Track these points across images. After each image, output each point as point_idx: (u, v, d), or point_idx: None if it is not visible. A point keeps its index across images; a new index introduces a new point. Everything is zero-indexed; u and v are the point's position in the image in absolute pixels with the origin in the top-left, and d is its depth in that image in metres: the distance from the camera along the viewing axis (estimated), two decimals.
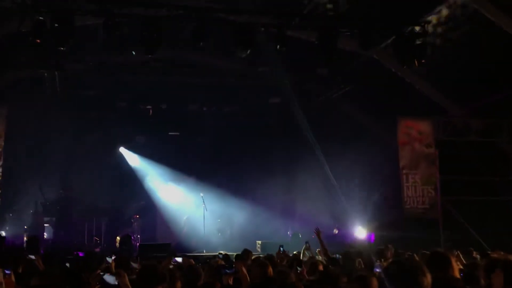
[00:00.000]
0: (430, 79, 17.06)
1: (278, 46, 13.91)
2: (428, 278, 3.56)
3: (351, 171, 20.45)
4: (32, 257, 9.41)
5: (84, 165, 20.38)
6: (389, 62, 16.48)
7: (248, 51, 14.15)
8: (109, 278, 5.77)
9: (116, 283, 5.44)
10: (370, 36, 14.00)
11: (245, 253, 10.19)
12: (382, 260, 9.57)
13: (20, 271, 8.07)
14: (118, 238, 18.72)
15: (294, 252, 12.72)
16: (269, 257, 9.44)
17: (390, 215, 18.70)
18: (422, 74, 16.70)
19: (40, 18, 13.46)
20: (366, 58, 16.47)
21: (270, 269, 6.56)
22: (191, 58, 18.71)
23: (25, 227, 18.12)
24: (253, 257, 10.10)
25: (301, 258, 11.04)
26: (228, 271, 5.93)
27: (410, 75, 16.91)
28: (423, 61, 14.66)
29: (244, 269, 5.98)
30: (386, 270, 3.71)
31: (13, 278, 6.60)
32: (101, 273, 6.02)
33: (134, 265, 8.58)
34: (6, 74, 17.54)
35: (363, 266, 8.72)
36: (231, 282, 6.70)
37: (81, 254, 13.63)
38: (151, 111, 20.75)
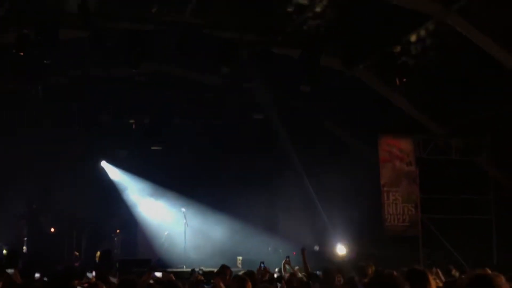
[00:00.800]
0: (412, 97, 17.25)
1: (262, 63, 14.02)
2: None
3: (333, 188, 20.51)
4: (11, 271, 9.32)
5: (66, 179, 20.26)
6: (371, 80, 16.65)
7: (231, 67, 14.26)
8: None
9: None
10: (352, 55, 14.17)
11: (222, 269, 10.13)
12: (363, 277, 9.61)
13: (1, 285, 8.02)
14: (98, 252, 18.58)
15: (276, 270, 12.73)
16: (249, 273, 9.43)
17: (371, 232, 18.78)
18: (404, 92, 16.88)
19: (24, 30, 13.45)
20: (349, 76, 16.62)
21: (249, 285, 6.58)
22: (175, 73, 18.74)
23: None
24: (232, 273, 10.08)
25: (282, 273, 11.04)
26: (206, 286, 5.92)
27: (391, 93, 17.09)
28: (404, 79, 14.86)
29: (222, 285, 5.98)
30: (367, 286, 3.76)
31: None
32: None
33: (113, 280, 8.55)
34: None
35: (342, 281, 8.76)
36: None
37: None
38: (134, 125, 20.68)
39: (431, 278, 5.70)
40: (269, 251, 20.47)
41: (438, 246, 17.27)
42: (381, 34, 14.18)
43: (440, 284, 7.41)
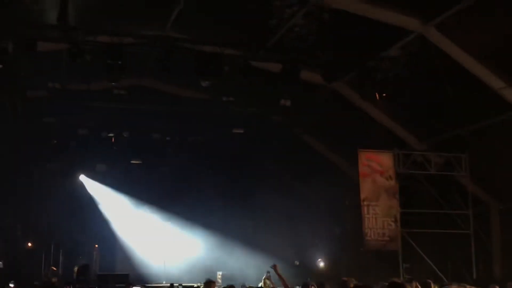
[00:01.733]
0: (391, 112, 17.35)
1: (242, 77, 14.02)
2: None
3: (313, 202, 20.55)
4: None
5: (44, 193, 20.03)
6: (351, 95, 16.73)
7: (212, 81, 14.23)
8: None
9: None
10: (332, 69, 14.24)
11: (207, 284, 10.04)
12: None
13: None
14: (76, 267, 18.34)
15: (259, 285, 12.68)
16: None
17: (352, 247, 18.78)
18: (384, 107, 16.97)
19: (2, 43, 13.31)
20: (329, 91, 16.69)
21: None
22: (154, 87, 18.66)
23: None
24: None
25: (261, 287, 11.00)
26: None
27: (371, 108, 17.17)
28: (384, 95, 14.95)
29: None
30: None
31: None
32: None
33: None
34: None
35: None
36: None
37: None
38: (113, 139, 20.52)
39: None
40: (249, 265, 20.29)
41: (418, 260, 17.31)
42: (361, 48, 14.27)
43: None
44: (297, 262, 19.86)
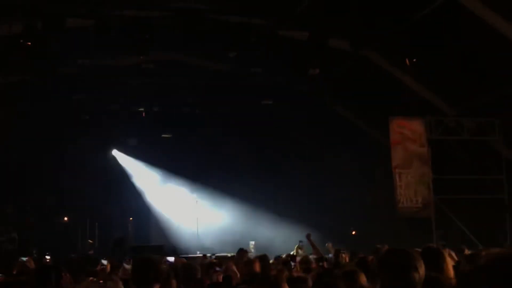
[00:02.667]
0: (422, 78, 17.10)
1: (269, 47, 13.94)
2: (421, 273, 3.52)
3: (343, 171, 20.49)
4: (24, 258, 9.42)
5: (78, 168, 20.34)
6: (381, 61, 16.52)
7: (239, 52, 14.18)
8: None
9: None
10: (361, 36, 14.04)
11: (240, 253, 10.18)
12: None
13: (14, 272, 8.15)
14: (112, 240, 18.71)
15: (291, 253, 12.76)
16: (261, 257, 9.44)
17: (383, 215, 18.73)
18: (414, 73, 16.73)
19: (31, 21, 13.44)
20: (358, 58, 16.49)
21: (257, 266, 6.59)
22: (182, 60, 18.69)
23: None
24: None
25: (294, 255, 11.09)
26: (218, 269, 5.92)
27: (401, 74, 16.95)
28: (414, 60, 14.72)
29: (233, 267, 5.98)
30: (380, 263, 3.67)
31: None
32: None
33: (127, 266, 8.56)
34: None
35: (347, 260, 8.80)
36: (220, 280, 6.73)
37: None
38: (143, 113, 20.68)
39: (446, 255, 5.64)
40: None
41: (452, 227, 17.20)
42: (390, 13, 14.02)
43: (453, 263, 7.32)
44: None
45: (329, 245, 12.31)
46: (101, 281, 7.83)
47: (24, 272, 7.23)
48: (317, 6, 14.00)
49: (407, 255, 3.60)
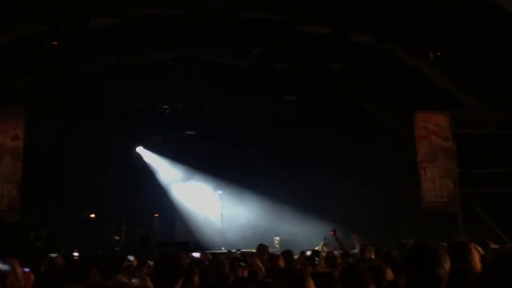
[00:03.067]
0: (447, 71, 16.95)
1: (292, 42, 13.95)
2: (446, 267, 3.53)
3: (367, 166, 20.42)
4: (53, 255, 9.57)
5: (104, 166, 20.58)
6: (404, 55, 16.40)
7: (261, 48, 14.21)
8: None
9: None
10: (384, 29, 13.97)
11: (260, 248, 10.24)
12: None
13: (42, 269, 8.27)
14: (138, 236, 18.91)
15: (315, 248, 12.77)
16: (286, 252, 9.50)
17: (408, 209, 18.63)
18: (438, 66, 16.58)
19: (56, 21, 13.62)
20: (381, 52, 16.40)
21: (281, 261, 6.65)
22: (206, 57, 18.77)
23: None
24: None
25: (320, 251, 11.11)
26: (243, 264, 5.96)
27: (425, 67, 16.81)
28: (438, 53, 14.60)
29: (258, 262, 6.03)
30: (405, 258, 3.68)
31: (32, 276, 6.72)
32: None
33: (152, 263, 8.62)
34: (23, 77, 17.72)
35: (372, 256, 8.79)
36: (245, 275, 6.78)
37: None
38: (168, 110, 20.83)
39: (473, 249, 5.63)
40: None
41: (478, 221, 17.03)
42: (413, 6, 13.92)
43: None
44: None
45: (354, 236, 12.29)
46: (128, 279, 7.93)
47: (52, 269, 7.35)
48: (339, 0, 13.98)
49: (432, 250, 3.60)
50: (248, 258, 5.90)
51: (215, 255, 13.24)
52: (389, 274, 5.33)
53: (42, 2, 13.46)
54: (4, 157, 16.01)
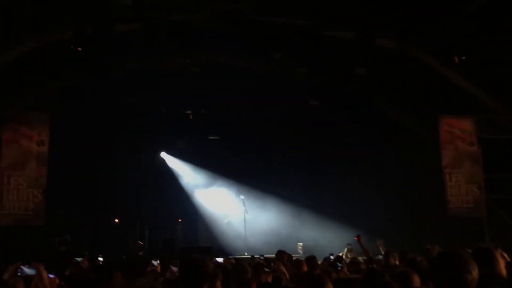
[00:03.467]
0: (472, 75, 16.76)
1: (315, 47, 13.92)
2: (474, 274, 3.49)
3: (391, 171, 20.26)
4: (78, 259, 9.65)
5: (127, 170, 20.69)
6: (429, 59, 16.26)
7: (284, 53, 14.19)
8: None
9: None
10: (408, 34, 13.87)
11: (279, 254, 10.20)
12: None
13: (67, 273, 8.34)
14: (161, 241, 18.98)
15: (339, 254, 12.71)
16: (310, 258, 9.45)
17: (432, 215, 18.44)
18: (463, 70, 16.41)
19: (81, 26, 13.77)
20: (405, 56, 16.28)
21: (305, 267, 6.62)
22: (228, 62, 18.80)
23: None
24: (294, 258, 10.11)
25: (344, 257, 11.04)
26: (266, 269, 5.93)
27: (450, 72, 16.65)
28: (463, 57, 14.45)
29: (282, 267, 5.99)
30: (432, 266, 3.64)
31: (56, 281, 6.76)
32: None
33: (175, 269, 8.61)
34: (48, 82, 17.92)
35: (397, 262, 8.71)
36: (269, 280, 6.74)
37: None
38: (191, 115, 20.90)
39: (498, 255, 5.53)
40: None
41: (505, 227, 16.79)
42: (438, 10, 13.80)
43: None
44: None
45: (379, 241, 12.22)
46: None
47: (78, 273, 7.39)
48: (363, 5, 13.90)
49: (461, 257, 3.56)
50: (272, 263, 5.85)
51: (238, 260, 13.22)
52: (416, 281, 5.25)
53: (68, 9, 13.60)
54: (30, 162, 16.21)
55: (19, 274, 6.33)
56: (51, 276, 6.38)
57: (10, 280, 6.09)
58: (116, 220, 20.87)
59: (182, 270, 4.94)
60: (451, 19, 14.02)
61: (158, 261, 9.82)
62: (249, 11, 14.79)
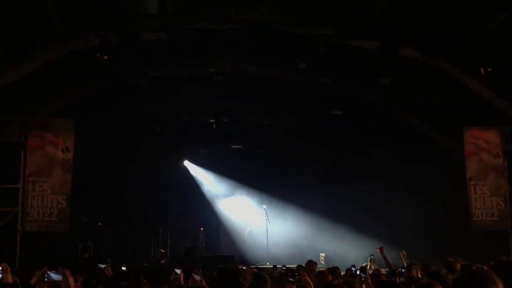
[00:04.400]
0: (497, 87, 16.61)
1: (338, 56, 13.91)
2: (500, 287, 3.45)
3: (415, 182, 20.08)
4: (102, 265, 9.70)
5: (150, 178, 20.79)
6: (453, 70, 16.14)
7: (308, 63, 14.21)
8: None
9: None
10: (433, 44, 13.80)
11: (309, 264, 10.18)
12: (451, 272, 9.37)
13: (93, 281, 8.40)
14: (183, 250, 19.03)
15: (363, 265, 12.60)
16: (332, 269, 9.40)
17: (456, 227, 18.26)
18: (488, 82, 16.27)
19: (107, 35, 13.93)
20: (430, 67, 16.18)
21: (330, 278, 6.61)
22: (251, 71, 18.85)
23: None
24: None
25: (367, 268, 10.95)
26: (291, 279, 5.90)
27: (475, 83, 16.50)
28: (489, 69, 14.34)
29: (307, 277, 5.98)
30: (456, 281, 3.60)
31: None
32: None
33: (197, 277, 8.58)
34: (73, 90, 18.12)
35: (419, 275, 8.62)
36: None
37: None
38: (214, 124, 20.96)
39: None
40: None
41: None
42: (462, 21, 13.72)
43: None
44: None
45: (403, 253, 12.12)
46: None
47: (104, 280, 7.43)
48: (387, 15, 13.87)
49: (486, 270, 3.53)
50: (296, 273, 5.84)
51: (259, 269, 13.18)
52: None
53: (94, 17, 13.77)
54: (55, 169, 16.41)
55: (45, 279, 6.40)
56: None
57: (37, 285, 6.16)
58: (140, 228, 20.96)
59: (220, 277, 4.98)
60: (476, 30, 13.92)
61: (181, 269, 9.81)
62: (273, 21, 14.84)
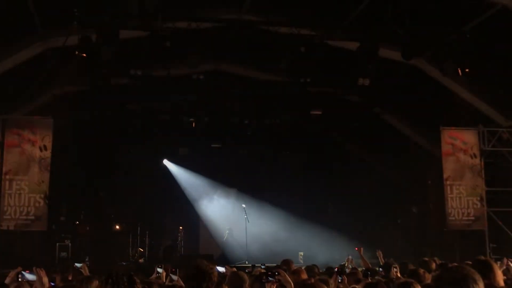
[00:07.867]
0: (475, 88, 16.79)
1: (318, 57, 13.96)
2: (481, 286, 3.50)
3: (393, 182, 20.26)
4: (78, 265, 9.64)
5: (129, 177, 20.72)
6: (432, 71, 16.29)
7: (288, 62, 14.23)
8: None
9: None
10: (412, 45, 13.90)
11: (286, 263, 10.18)
12: (427, 271, 9.45)
13: (70, 278, 8.42)
14: (162, 249, 18.97)
15: (341, 263, 12.68)
16: (311, 267, 9.44)
17: (434, 226, 18.42)
18: (466, 83, 16.44)
19: (86, 33, 13.82)
20: (409, 68, 16.31)
21: (304, 275, 6.65)
22: (232, 71, 18.85)
23: None
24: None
25: (345, 267, 11.02)
26: (270, 278, 5.91)
27: (453, 84, 16.67)
28: (467, 70, 14.48)
29: (287, 276, 6.00)
30: (437, 279, 3.64)
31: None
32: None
33: (174, 277, 8.53)
34: (51, 88, 17.95)
35: (398, 274, 8.68)
36: None
37: None
38: (193, 123, 20.91)
39: (496, 267, 5.55)
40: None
41: (506, 240, 16.77)
42: (442, 22, 13.85)
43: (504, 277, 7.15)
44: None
45: (379, 252, 12.23)
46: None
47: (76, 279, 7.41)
48: (367, 15, 13.95)
49: (467, 269, 3.58)
50: (276, 272, 5.84)
51: (237, 269, 13.18)
52: None
53: (73, 16, 13.64)
54: (32, 167, 16.23)
55: (19, 279, 6.33)
56: (52, 284, 6.40)
57: (11, 285, 6.10)
58: (117, 227, 20.88)
59: (188, 278, 4.94)
60: (455, 31, 14.06)
61: (163, 269, 9.75)
62: (254, 21, 14.85)
